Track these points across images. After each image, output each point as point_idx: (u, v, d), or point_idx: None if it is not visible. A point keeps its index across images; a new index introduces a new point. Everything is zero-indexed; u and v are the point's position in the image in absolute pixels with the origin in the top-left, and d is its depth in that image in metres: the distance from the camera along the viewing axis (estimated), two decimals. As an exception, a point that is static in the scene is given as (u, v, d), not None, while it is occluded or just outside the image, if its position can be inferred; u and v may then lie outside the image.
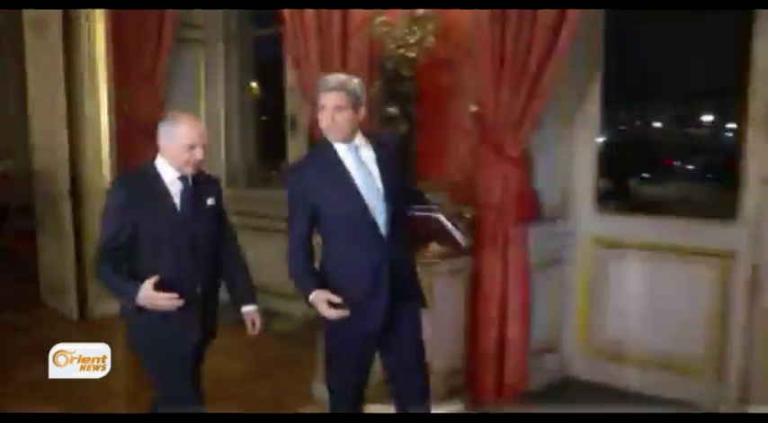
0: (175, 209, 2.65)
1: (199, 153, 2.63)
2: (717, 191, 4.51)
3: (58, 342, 3.15)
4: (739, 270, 3.75)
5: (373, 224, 2.61)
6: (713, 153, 4.79)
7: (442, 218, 2.77)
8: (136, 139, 5.53)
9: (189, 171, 2.66)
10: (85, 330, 5.32)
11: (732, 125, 4.05)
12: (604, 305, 4.21)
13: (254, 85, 6.61)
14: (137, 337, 2.75)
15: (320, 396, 3.30)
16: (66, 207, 5.46)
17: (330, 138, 2.63)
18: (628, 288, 4.12)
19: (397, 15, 3.65)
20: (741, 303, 3.75)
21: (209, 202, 2.76)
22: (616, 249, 4.14)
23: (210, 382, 3.47)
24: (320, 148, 2.71)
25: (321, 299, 2.55)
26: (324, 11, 4.21)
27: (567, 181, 4.22)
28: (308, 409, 3.69)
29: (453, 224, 2.79)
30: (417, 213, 2.81)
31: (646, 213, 4.21)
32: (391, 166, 2.68)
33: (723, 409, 3.77)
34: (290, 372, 4.35)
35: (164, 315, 2.57)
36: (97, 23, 5.39)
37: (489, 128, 3.66)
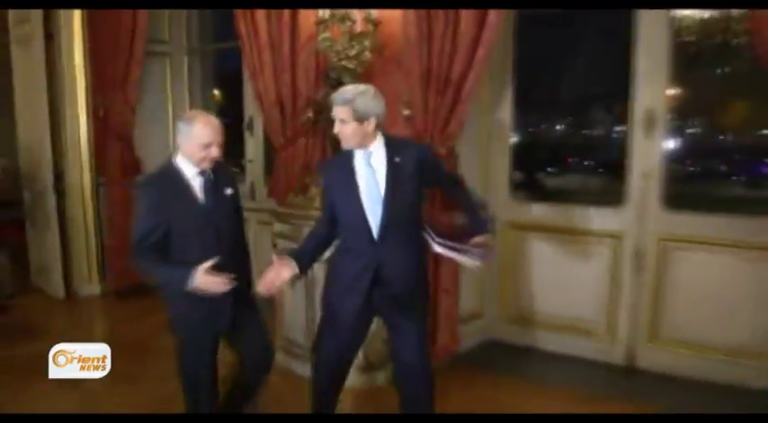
0: (199, 202, 2.52)
1: (215, 151, 2.49)
2: (607, 182, 4.64)
3: (48, 317, 2.97)
4: (626, 248, 3.87)
5: (366, 226, 2.52)
6: (604, 151, 4.93)
7: (440, 249, 2.58)
8: (111, 141, 5.50)
9: (206, 167, 2.53)
10: (71, 308, 5.30)
11: (619, 127, 4.17)
12: (519, 278, 4.29)
13: (216, 92, 6.48)
14: (179, 320, 2.62)
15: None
16: (52, 201, 5.36)
17: (342, 145, 2.57)
18: (537, 264, 4.21)
19: (339, 33, 3.65)
20: (628, 276, 3.90)
21: (228, 191, 2.62)
22: (527, 232, 4.21)
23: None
24: (345, 152, 2.61)
25: (274, 269, 2.56)
26: (275, 29, 4.17)
27: (486, 174, 4.28)
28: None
29: (457, 249, 2.57)
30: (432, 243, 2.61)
31: (551, 201, 4.30)
32: (405, 173, 2.52)
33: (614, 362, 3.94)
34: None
35: (203, 300, 2.45)
36: (75, 38, 5.32)
37: (420, 129, 3.69)
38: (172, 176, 2.53)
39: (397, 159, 2.53)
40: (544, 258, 4.18)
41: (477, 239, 2.60)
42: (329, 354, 2.71)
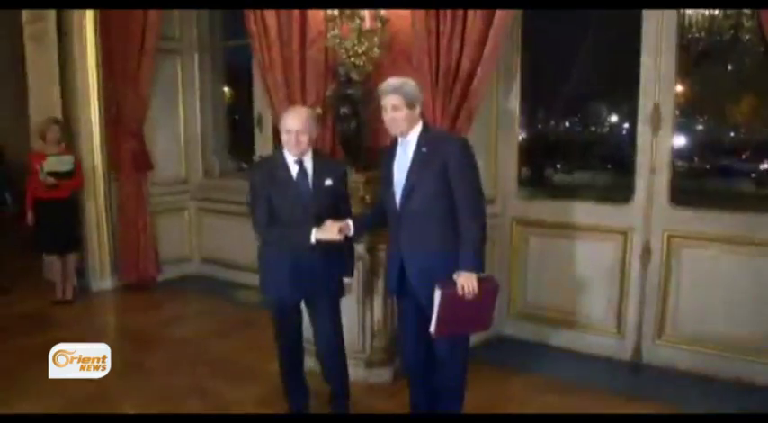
0: (293, 184, 2.83)
1: (297, 138, 2.77)
2: (615, 178, 4.64)
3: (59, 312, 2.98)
4: (634, 244, 3.84)
5: (393, 207, 2.70)
6: (612, 147, 4.93)
7: (436, 299, 2.55)
8: (123, 136, 5.50)
9: (296, 153, 2.81)
10: (84, 303, 5.27)
11: (627, 123, 4.16)
12: (527, 275, 4.26)
13: (225, 89, 6.50)
14: (267, 282, 2.95)
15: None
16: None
17: (391, 132, 2.71)
18: (546, 260, 4.18)
19: (348, 30, 3.64)
20: (636, 272, 3.86)
21: (327, 182, 2.85)
22: (536, 228, 4.19)
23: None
24: (394, 140, 2.79)
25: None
26: (284, 26, 4.17)
27: (494, 170, 4.25)
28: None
29: (439, 307, 2.55)
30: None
31: (559, 198, 4.28)
32: (428, 164, 2.60)
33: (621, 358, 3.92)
34: (247, 333, 4.42)
35: (291, 267, 2.82)
36: (88, 34, 5.36)
37: (429, 125, 3.66)
38: (275, 162, 2.90)
39: (424, 149, 2.64)
40: (552, 255, 4.15)
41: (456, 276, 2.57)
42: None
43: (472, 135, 3.70)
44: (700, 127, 5.08)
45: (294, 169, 2.84)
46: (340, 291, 3.01)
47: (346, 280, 3.02)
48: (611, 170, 4.93)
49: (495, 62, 3.60)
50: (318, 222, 2.76)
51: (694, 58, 3.94)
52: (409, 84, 2.66)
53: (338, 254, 2.90)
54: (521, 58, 4.19)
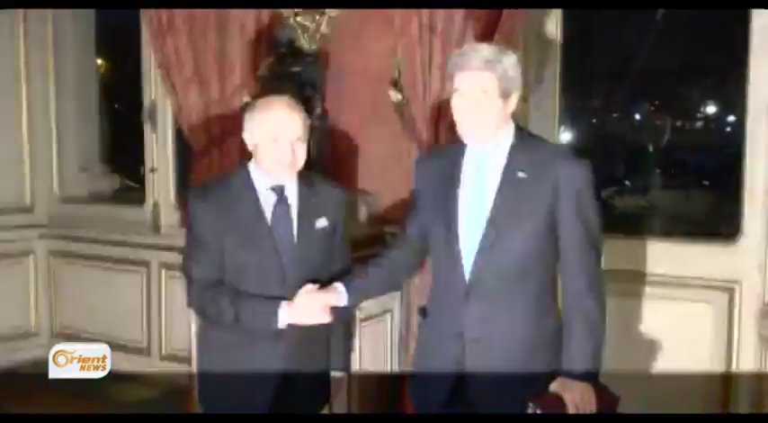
0: (265, 229, 2.68)
1: (286, 150, 2.61)
2: (712, 203, 4.74)
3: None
4: (745, 305, 3.97)
5: (452, 266, 2.56)
6: (706, 155, 5.04)
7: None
8: None
9: (281, 177, 2.68)
10: None
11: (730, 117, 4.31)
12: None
13: (99, 62, 6.61)
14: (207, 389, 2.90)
15: None
16: None
17: (466, 135, 2.53)
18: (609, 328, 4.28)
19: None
20: (752, 347, 3.97)
21: (319, 223, 2.73)
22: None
23: None
24: (454, 146, 2.66)
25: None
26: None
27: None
28: None
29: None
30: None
31: (623, 232, 4.36)
32: (527, 198, 2.48)
33: None
34: None
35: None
36: None
37: (416, 122, 3.82)
38: (234, 188, 2.72)
39: (521, 173, 2.50)
40: (618, 319, 4.20)
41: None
42: None
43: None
44: None
45: (268, 203, 2.69)
46: (325, 393, 2.96)
47: (336, 375, 2.96)
48: (706, 190, 5.05)
49: (522, 21, 3.77)
50: None
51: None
52: (510, 56, 2.48)
53: (324, 338, 2.84)
54: (563, 16, 4.33)
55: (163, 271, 5.41)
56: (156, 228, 5.60)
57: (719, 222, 4.17)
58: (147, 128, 5.67)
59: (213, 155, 4.44)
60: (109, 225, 5.75)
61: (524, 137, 2.58)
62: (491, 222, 2.48)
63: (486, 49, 2.48)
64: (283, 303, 2.61)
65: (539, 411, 2.41)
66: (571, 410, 2.39)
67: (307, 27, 3.78)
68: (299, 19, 3.79)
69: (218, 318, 2.71)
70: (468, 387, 2.57)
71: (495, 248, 2.48)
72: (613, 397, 2.54)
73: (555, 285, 2.60)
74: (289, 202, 2.72)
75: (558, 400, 2.42)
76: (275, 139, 2.60)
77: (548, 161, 2.51)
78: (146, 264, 5.61)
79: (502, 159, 2.52)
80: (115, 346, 5.47)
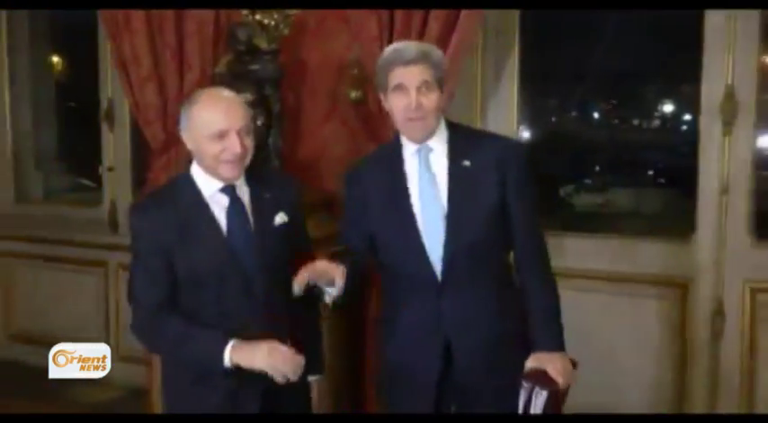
0: (221, 236, 2.49)
1: (235, 143, 2.40)
2: (668, 201, 4.79)
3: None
4: (699, 302, 4.06)
5: (419, 265, 2.57)
6: (663, 153, 5.11)
7: (538, 404, 2.46)
8: None
9: (231, 175, 2.48)
10: None
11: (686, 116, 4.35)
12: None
13: (55, 59, 6.56)
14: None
15: None
16: None
17: (408, 133, 2.58)
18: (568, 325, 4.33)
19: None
20: (704, 342, 4.06)
21: (278, 219, 2.57)
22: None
23: None
24: (385, 146, 2.74)
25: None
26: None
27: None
28: None
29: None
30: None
31: (582, 230, 4.50)
32: (477, 184, 2.55)
33: None
34: None
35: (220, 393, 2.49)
36: None
37: (375, 119, 3.84)
38: (180, 195, 2.53)
39: (466, 162, 2.57)
40: (574, 316, 4.24)
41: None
42: None
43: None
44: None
45: (220, 206, 2.51)
46: (306, 400, 2.79)
47: (313, 378, 2.78)
48: (663, 188, 5.10)
49: (479, 23, 3.82)
50: (272, 311, 2.51)
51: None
52: (437, 50, 2.62)
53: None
54: (521, 15, 4.36)
55: (120, 271, 5.36)
56: (113, 227, 5.58)
57: (675, 220, 4.21)
58: (104, 127, 5.65)
59: (171, 153, 4.42)
60: (65, 225, 5.70)
61: (455, 127, 2.67)
62: (451, 215, 2.54)
63: (415, 43, 2.64)
64: (230, 343, 2.36)
65: (538, 388, 2.46)
66: (560, 381, 2.46)
67: (265, 25, 3.78)
68: (257, 17, 3.79)
69: (158, 351, 2.65)
70: (456, 378, 2.61)
71: (459, 238, 2.53)
72: (574, 361, 2.60)
73: (509, 275, 2.69)
74: (241, 201, 2.53)
75: (545, 374, 2.49)
76: (221, 133, 2.40)
77: (487, 146, 2.62)
78: (103, 264, 5.61)
79: (444, 151, 2.60)
80: (72, 348, 5.54)
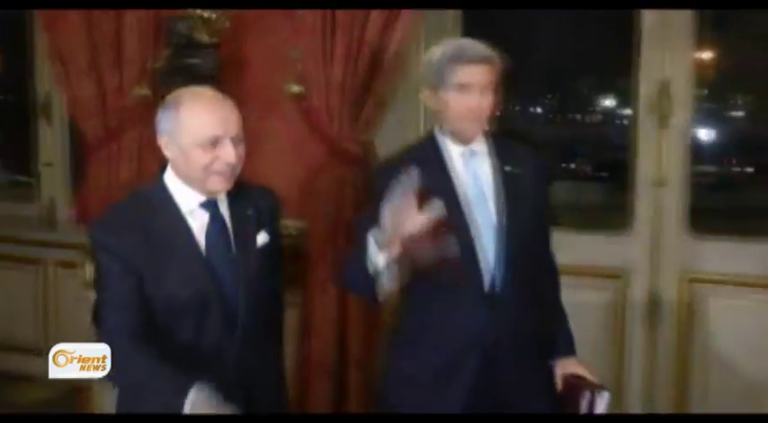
0: (200, 258, 2.24)
1: (229, 152, 2.17)
2: (605, 194, 4.86)
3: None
4: (635, 292, 4.17)
5: (475, 269, 2.44)
6: (599, 146, 5.21)
7: (600, 406, 2.49)
8: None
9: (220, 188, 2.25)
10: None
11: (622, 110, 4.42)
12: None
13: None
14: None
15: None
16: None
17: (464, 134, 2.49)
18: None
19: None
20: (639, 333, 4.17)
21: (261, 239, 2.34)
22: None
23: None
24: (418, 146, 2.62)
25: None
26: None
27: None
28: None
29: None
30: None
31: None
32: (524, 191, 2.50)
33: None
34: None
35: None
36: None
37: (318, 114, 3.86)
38: (151, 203, 2.28)
39: (508, 167, 2.51)
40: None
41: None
42: None
43: (386, 131, 3.88)
44: (735, 113, 5.34)
45: (198, 223, 2.26)
46: None
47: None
48: (600, 181, 5.18)
49: (420, 17, 3.84)
50: (259, 338, 2.33)
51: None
52: (496, 53, 2.48)
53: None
54: (462, 13, 4.39)
55: (58, 269, 5.32)
56: (51, 224, 5.52)
57: (612, 213, 4.29)
58: (41, 121, 5.58)
59: (110, 148, 4.37)
60: (0, 221, 5.60)
61: (488, 133, 2.58)
62: (506, 222, 2.46)
63: (479, 43, 2.47)
64: (191, 392, 2.03)
65: (597, 392, 2.50)
66: (594, 381, 2.55)
67: (205, 18, 3.76)
68: (197, 10, 3.76)
69: (117, 384, 2.43)
70: (496, 391, 2.51)
71: (512, 247, 2.45)
72: None
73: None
74: (222, 216, 2.29)
75: (582, 377, 2.58)
76: (214, 140, 2.15)
77: (523, 154, 2.60)
78: (40, 261, 5.53)
79: (486, 155, 2.54)
80: (8, 348, 5.48)
